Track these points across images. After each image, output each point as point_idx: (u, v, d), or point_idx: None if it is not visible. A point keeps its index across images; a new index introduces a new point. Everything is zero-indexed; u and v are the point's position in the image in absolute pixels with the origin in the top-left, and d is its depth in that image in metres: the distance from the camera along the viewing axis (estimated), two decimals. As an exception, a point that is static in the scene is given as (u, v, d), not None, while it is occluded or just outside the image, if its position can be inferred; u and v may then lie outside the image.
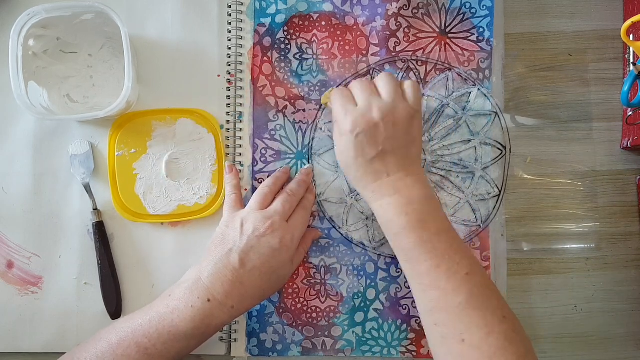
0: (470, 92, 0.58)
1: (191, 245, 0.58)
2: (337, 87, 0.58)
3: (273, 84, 0.59)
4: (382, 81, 0.51)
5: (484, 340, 0.42)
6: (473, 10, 0.58)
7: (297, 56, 0.59)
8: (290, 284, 0.57)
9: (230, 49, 0.59)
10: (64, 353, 0.49)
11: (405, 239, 0.47)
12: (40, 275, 0.58)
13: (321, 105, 0.58)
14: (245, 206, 0.54)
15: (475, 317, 0.43)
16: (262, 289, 0.50)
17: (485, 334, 0.43)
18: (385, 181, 0.49)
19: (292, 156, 0.58)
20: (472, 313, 0.43)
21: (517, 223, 0.58)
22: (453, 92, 0.58)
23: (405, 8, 0.58)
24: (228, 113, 0.59)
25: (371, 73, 0.59)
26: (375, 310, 0.57)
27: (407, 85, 0.51)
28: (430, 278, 0.45)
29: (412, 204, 0.48)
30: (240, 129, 0.59)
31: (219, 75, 0.59)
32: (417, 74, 0.58)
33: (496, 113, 0.58)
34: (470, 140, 0.58)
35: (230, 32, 0.59)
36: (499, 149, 0.58)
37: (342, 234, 0.58)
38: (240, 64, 0.59)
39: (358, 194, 0.58)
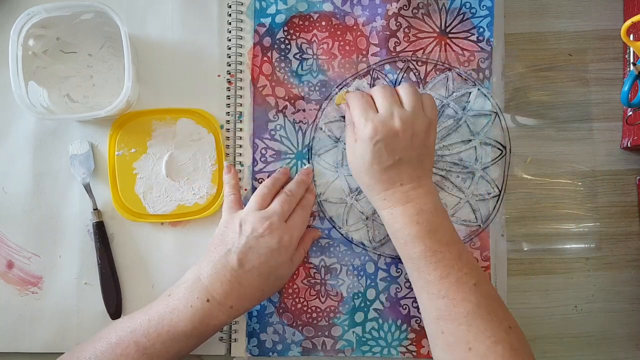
0: (470, 92, 0.58)
1: (191, 245, 0.58)
2: (349, 89, 0.58)
3: (273, 84, 0.59)
4: (404, 90, 0.51)
5: (491, 349, 0.43)
6: (473, 10, 0.58)
7: (297, 56, 0.59)
8: (290, 284, 0.57)
9: (230, 49, 0.59)
10: (63, 353, 0.49)
11: (414, 247, 0.48)
12: (40, 275, 0.58)
13: (321, 105, 0.58)
14: (244, 206, 0.54)
15: (482, 327, 0.44)
16: (261, 289, 0.50)
17: (492, 343, 0.43)
18: (399, 190, 0.50)
19: (292, 156, 0.58)
20: (479, 323, 0.44)
21: (517, 223, 0.58)
22: (453, 92, 0.58)
23: (405, 8, 0.58)
24: (228, 113, 0.59)
25: (371, 73, 0.59)
26: (375, 310, 0.57)
27: (426, 97, 0.52)
28: (438, 287, 0.46)
29: (423, 214, 0.48)
30: (240, 129, 0.59)
31: (219, 75, 0.59)
32: (417, 74, 0.58)
33: (496, 113, 0.58)
34: (470, 140, 0.58)
35: (230, 32, 0.59)
36: (499, 149, 0.58)
37: (342, 234, 0.58)
38: (240, 64, 0.59)
39: (358, 194, 0.58)
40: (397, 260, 0.57)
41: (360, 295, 0.57)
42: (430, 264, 0.47)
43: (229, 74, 0.59)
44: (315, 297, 0.57)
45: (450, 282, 0.46)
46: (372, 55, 0.59)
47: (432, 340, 0.47)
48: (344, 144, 0.58)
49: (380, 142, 0.49)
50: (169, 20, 0.59)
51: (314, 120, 0.59)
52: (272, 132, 0.59)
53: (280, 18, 0.59)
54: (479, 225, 0.57)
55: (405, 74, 0.58)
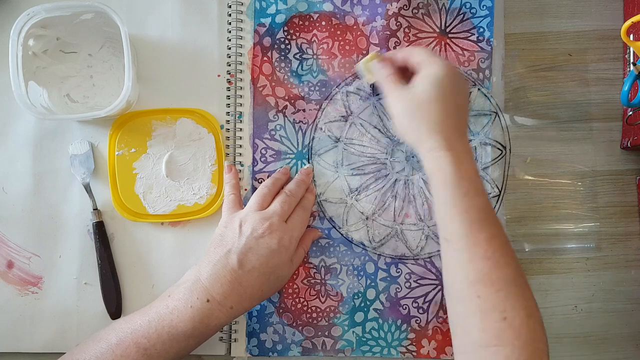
0: (470, 92, 0.58)
1: (191, 245, 0.58)
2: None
3: (273, 84, 0.59)
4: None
5: (525, 322, 0.42)
6: (473, 10, 0.58)
7: (297, 56, 0.59)
8: (290, 284, 0.57)
9: (230, 49, 0.59)
10: (63, 353, 0.49)
11: (477, 198, 0.45)
12: (40, 275, 0.58)
13: (321, 105, 0.58)
14: (244, 207, 0.54)
15: (519, 297, 0.43)
16: (261, 289, 0.50)
17: (527, 316, 0.42)
18: (463, 137, 0.47)
19: (292, 156, 0.58)
20: (517, 291, 0.43)
21: (517, 223, 0.58)
22: (453, 92, 0.58)
23: (405, 8, 0.58)
24: (228, 113, 0.59)
25: (371, 73, 0.58)
26: (375, 310, 0.57)
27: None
28: (485, 247, 0.43)
29: (477, 170, 0.47)
30: (240, 129, 0.59)
31: (219, 75, 0.59)
32: (417, 74, 0.58)
33: (496, 113, 0.58)
34: (470, 140, 0.58)
35: (230, 32, 0.59)
36: (499, 149, 0.58)
37: (342, 234, 0.58)
38: (240, 64, 0.59)
39: (358, 194, 0.58)
40: (397, 260, 0.57)
41: (360, 295, 0.57)
42: (486, 219, 0.44)
43: (229, 74, 0.59)
44: (315, 297, 0.57)
45: (498, 243, 0.44)
46: (372, 55, 0.59)
47: (459, 305, 0.44)
48: (344, 144, 0.58)
49: (457, 80, 0.47)
50: (169, 20, 0.59)
51: (314, 120, 0.59)
52: (272, 132, 0.59)
53: (280, 18, 0.59)
54: (479, 225, 0.57)
55: (405, 74, 0.58)
